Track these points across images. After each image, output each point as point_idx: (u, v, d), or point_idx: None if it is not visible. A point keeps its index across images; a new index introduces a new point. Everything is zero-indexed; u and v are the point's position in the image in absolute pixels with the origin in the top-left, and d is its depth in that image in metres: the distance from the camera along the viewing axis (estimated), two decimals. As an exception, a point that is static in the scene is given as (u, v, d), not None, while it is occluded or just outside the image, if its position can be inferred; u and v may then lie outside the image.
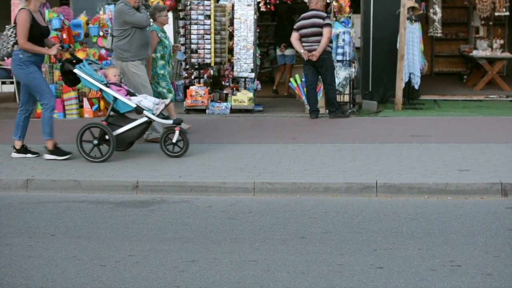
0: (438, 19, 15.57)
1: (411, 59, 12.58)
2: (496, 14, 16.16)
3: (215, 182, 7.38)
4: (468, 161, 7.90)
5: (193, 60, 12.62)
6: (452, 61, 19.11)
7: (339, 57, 11.87)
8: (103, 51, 12.87)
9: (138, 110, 8.38)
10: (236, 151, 8.71)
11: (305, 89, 11.63)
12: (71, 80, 8.75)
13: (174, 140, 8.44)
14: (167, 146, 8.49)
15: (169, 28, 21.89)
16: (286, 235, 5.81)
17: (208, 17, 12.43)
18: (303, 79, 11.70)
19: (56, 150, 8.63)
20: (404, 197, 6.95)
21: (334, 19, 12.07)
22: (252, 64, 12.18)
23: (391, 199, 6.94)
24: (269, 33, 17.95)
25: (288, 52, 15.27)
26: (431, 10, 15.55)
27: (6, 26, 8.66)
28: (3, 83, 14.97)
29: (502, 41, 16.47)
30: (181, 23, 12.94)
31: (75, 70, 8.46)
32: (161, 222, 6.28)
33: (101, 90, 8.48)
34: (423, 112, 12.24)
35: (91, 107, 12.20)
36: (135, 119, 8.49)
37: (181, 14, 12.88)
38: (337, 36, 11.85)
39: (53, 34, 12.38)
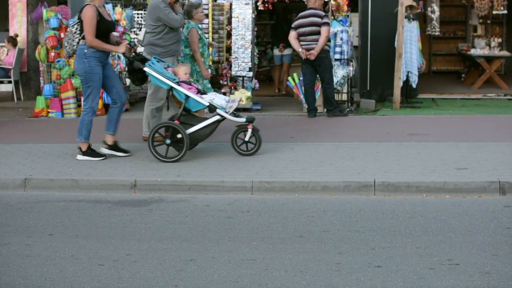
0: (436, 18, 15.58)
1: (409, 58, 12.58)
2: (494, 12, 16.16)
3: (213, 181, 7.38)
4: (466, 160, 7.90)
5: (191, 59, 12.59)
6: (450, 60, 19.11)
7: (337, 56, 11.86)
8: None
9: (211, 109, 8.25)
10: (235, 151, 8.70)
11: (303, 88, 11.63)
12: (139, 78, 8.62)
13: (246, 139, 8.33)
14: (238, 145, 8.39)
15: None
16: (284, 234, 5.81)
17: (206, 16, 12.41)
18: (301, 78, 11.69)
19: (90, 152, 8.49)
20: (402, 196, 6.96)
21: (332, 17, 12.06)
22: (250, 63, 12.17)
23: (389, 197, 6.94)
24: (267, 32, 17.94)
25: (286, 51, 15.30)
26: (429, 9, 15.55)
27: (70, 22, 8.48)
28: (1, 82, 14.95)
29: (500, 40, 16.49)
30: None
31: (145, 68, 8.27)
32: (159, 221, 6.28)
33: (171, 88, 8.27)
34: (421, 110, 12.24)
35: (89, 106, 12.17)
36: (206, 118, 8.35)
37: (179, 13, 12.85)
38: (335, 34, 11.85)
39: (50, 33, 12.39)
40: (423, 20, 16.24)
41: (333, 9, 12.18)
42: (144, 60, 8.45)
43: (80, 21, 8.28)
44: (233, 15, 12.22)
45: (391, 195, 7.00)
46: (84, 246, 5.60)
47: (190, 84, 8.46)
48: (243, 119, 8.36)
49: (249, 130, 8.32)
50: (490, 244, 5.37)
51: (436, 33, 16.03)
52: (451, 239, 5.53)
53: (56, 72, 12.47)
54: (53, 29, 12.43)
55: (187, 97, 8.24)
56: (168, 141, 8.20)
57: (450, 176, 7.17)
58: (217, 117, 8.28)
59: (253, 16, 12.29)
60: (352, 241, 5.54)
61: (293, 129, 10.28)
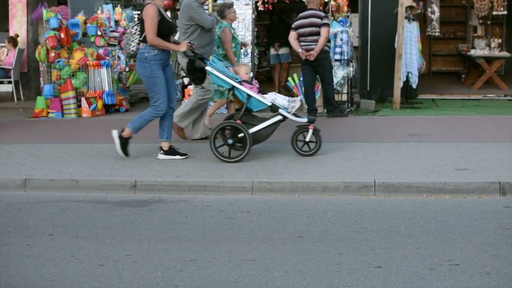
0: (436, 18, 15.59)
1: (409, 58, 12.59)
2: (494, 13, 16.19)
3: (213, 181, 7.38)
4: (466, 160, 7.90)
5: (191, 60, 12.59)
6: (450, 60, 19.13)
7: (337, 57, 11.87)
8: (101, 51, 12.87)
9: (273, 109, 8.20)
10: (234, 151, 8.70)
11: (303, 88, 11.63)
12: (200, 78, 8.53)
13: (307, 139, 8.28)
14: (299, 145, 8.34)
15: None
16: (284, 234, 5.81)
17: (206, 16, 12.40)
18: (301, 79, 11.70)
19: (123, 145, 8.38)
20: (402, 196, 6.96)
21: (332, 18, 12.07)
22: (250, 63, 12.17)
23: (389, 198, 6.94)
24: (267, 33, 17.95)
25: (282, 51, 15.34)
26: (429, 9, 15.56)
27: (130, 24, 8.40)
28: (1, 82, 14.96)
29: (500, 40, 16.49)
30: (178, 22, 12.91)
31: (207, 68, 8.21)
32: (159, 222, 6.28)
33: (233, 87, 8.20)
34: (421, 111, 12.25)
35: (89, 107, 12.20)
36: (267, 118, 8.29)
37: (179, 13, 12.85)
38: (335, 35, 11.86)
39: (50, 33, 12.40)
40: (423, 20, 16.26)
41: (333, 9, 12.20)
42: (202, 59, 8.38)
43: (141, 21, 8.17)
44: (233, 15, 12.21)
45: (391, 195, 7.00)
46: (84, 247, 5.60)
47: (251, 84, 8.39)
48: (304, 120, 8.30)
49: (310, 131, 8.25)
50: (490, 245, 5.37)
51: (436, 34, 16.04)
52: (451, 239, 5.53)
53: (56, 72, 12.48)
54: (53, 29, 12.44)
55: (249, 96, 8.17)
56: (230, 141, 8.12)
57: (450, 177, 7.17)
58: (278, 117, 8.21)
59: (253, 16, 12.29)
60: (352, 242, 5.54)
61: (293, 130, 10.26)
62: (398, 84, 12.32)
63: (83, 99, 12.31)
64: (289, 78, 12.40)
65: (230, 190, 7.28)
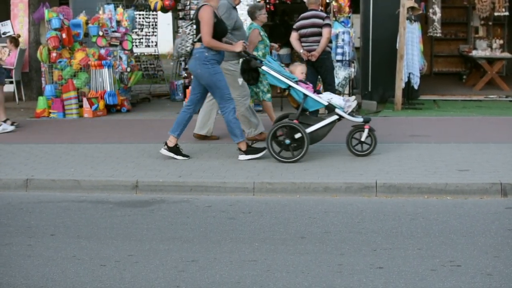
0: (437, 19, 15.58)
1: (411, 59, 12.58)
2: (496, 14, 16.17)
3: (215, 182, 7.38)
4: (468, 161, 7.90)
5: (192, 60, 12.59)
6: (452, 61, 19.11)
7: (339, 57, 11.87)
8: (102, 51, 12.87)
9: (330, 108, 8.17)
10: (236, 151, 8.70)
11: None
12: (255, 77, 8.45)
13: (363, 139, 8.26)
14: (354, 145, 8.32)
15: (168, 28, 21.93)
16: (286, 235, 5.81)
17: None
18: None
19: (252, 149, 8.34)
20: (404, 197, 6.96)
21: (334, 19, 12.06)
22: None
23: (391, 199, 6.94)
24: (269, 33, 17.95)
25: (283, 51, 15.39)
26: (430, 10, 15.56)
27: (183, 24, 8.36)
28: (2, 82, 14.93)
29: (501, 41, 16.48)
30: (180, 22, 12.94)
31: (264, 67, 8.16)
32: (160, 222, 6.28)
33: (289, 87, 8.14)
34: (423, 112, 12.24)
35: (91, 107, 12.20)
36: (323, 118, 8.26)
37: (181, 13, 12.88)
38: (337, 36, 11.85)
39: (52, 33, 12.40)
40: (424, 21, 16.25)
41: (334, 10, 12.19)
42: (255, 59, 8.35)
43: (196, 22, 8.15)
44: (234, 16, 12.21)
45: (392, 196, 7.00)
46: (85, 247, 5.60)
47: (307, 84, 8.37)
48: (360, 119, 8.29)
49: (366, 130, 8.24)
50: (491, 246, 5.37)
51: (438, 35, 16.03)
52: (453, 240, 5.53)
53: (57, 72, 12.48)
54: (55, 29, 12.44)
55: (305, 96, 8.13)
56: (287, 141, 8.07)
57: (452, 178, 7.17)
58: (335, 117, 8.18)
59: (255, 17, 12.27)
60: (354, 242, 5.54)
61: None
62: (400, 85, 12.31)
63: (84, 100, 12.31)
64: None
65: (231, 190, 7.28)
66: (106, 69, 12.44)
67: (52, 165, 8.28)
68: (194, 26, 8.28)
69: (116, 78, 12.87)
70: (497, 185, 6.92)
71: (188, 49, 8.21)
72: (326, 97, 8.26)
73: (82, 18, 12.96)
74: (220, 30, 8.17)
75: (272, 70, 8.15)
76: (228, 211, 6.61)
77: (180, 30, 8.27)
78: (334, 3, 12.16)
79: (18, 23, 14.71)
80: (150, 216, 6.49)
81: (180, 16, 12.90)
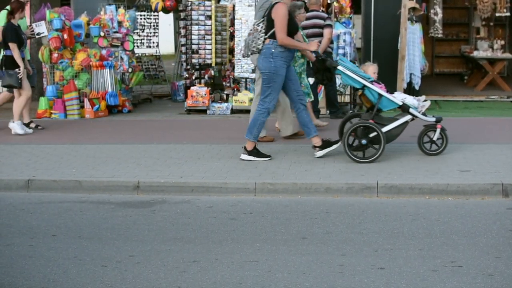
0: (438, 20, 15.58)
1: (412, 60, 12.58)
2: (497, 14, 16.16)
3: (216, 182, 7.38)
4: (469, 162, 7.90)
5: (194, 61, 12.62)
6: (453, 62, 19.09)
7: (340, 58, 11.86)
8: (104, 52, 12.88)
9: (404, 108, 8.14)
10: (237, 151, 8.70)
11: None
12: (329, 77, 8.46)
13: (435, 138, 8.25)
14: (425, 144, 8.29)
15: (170, 29, 21.93)
16: (287, 235, 5.81)
17: (209, 17, 12.43)
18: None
19: (256, 152, 8.27)
20: (405, 198, 6.95)
21: (335, 19, 12.07)
22: (253, 65, 12.17)
23: (392, 199, 6.94)
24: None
25: None
26: (431, 11, 15.55)
27: (254, 21, 8.31)
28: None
29: (502, 42, 16.47)
30: (182, 23, 12.95)
31: (340, 67, 8.11)
32: (162, 223, 6.28)
33: (364, 87, 8.10)
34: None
35: (92, 108, 12.20)
36: (396, 118, 8.23)
37: (182, 14, 12.89)
38: (338, 36, 11.85)
39: (53, 34, 12.41)
40: (426, 22, 16.24)
41: (336, 11, 12.19)
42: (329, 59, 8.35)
43: (267, 19, 8.10)
44: (236, 16, 12.23)
45: (394, 197, 7.00)
46: (87, 247, 5.61)
47: (379, 83, 8.33)
48: (433, 119, 8.27)
49: (438, 130, 8.23)
50: (493, 246, 5.37)
51: (439, 35, 16.03)
52: (454, 241, 5.53)
53: (59, 73, 12.48)
54: (56, 30, 12.44)
55: (380, 96, 8.10)
56: (364, 141, 8.03)
57: (453, 178, 7.17)
58: (408, 117, 8.17)
59: (256, 18, 12.28)
60: (355, 243, 5.54)
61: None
62: (401, 86, 12.31)
63: (86, 100, 12.31)
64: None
65: (233, 191, 7.28)
66: (108, 69, 12.44)
67: (53, 166, 8.29)
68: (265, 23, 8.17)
69: (118, 78, 12.87)
70: (498, 185, 6.92)
71: (260, 46, 8.12)
72: (400, 97, 8.24)
73: (83, 18, 12.96)
74: (292, 28, 8.14)
75: (348, 70, 8.12)
76: (230, 211, 6.61)
77: (252, 28, 8.17)
78: (335, 3, 12.17)
79: (20, 23, 14.71)
80: (151, 217, 6.49)
81: (182, 17, 12.90)
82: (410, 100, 8.24)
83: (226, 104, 12.31)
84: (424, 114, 8.26)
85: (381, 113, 8.32)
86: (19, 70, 10.33)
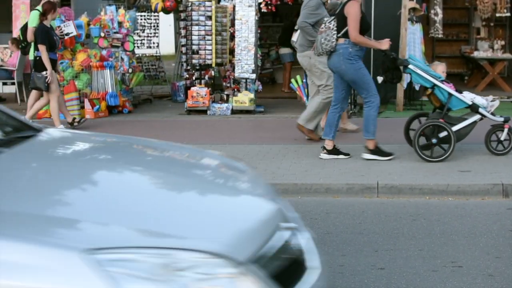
0: (439, 20, 15.57)
1: (412, 60, 12.55)
2: (497, 15, 16.15)
3: (216, 183, 7.37)
4: (469, 162, 7.90)
5: (194, 61, 12.62)
6: (453, 62, 19.06)
7: (340, 58, 11.85)
8: (104, 52, 12.88)
9: (474, 108, 8.10)
10: (237, 152, 8.71)
11: (306, 90, 11.62)
12: (398, 76, 8.44)
13: (502, 138, 8.22)
14: (491, 143, 8.28)
15: (170, 29, 21.94)
16: (287, 236, 5.80)
17: (209, 18, 12.43)
18: (304, 80, 11.69)
19: (378, 150, 8.19)
20: (405, 198, 6.96)
21: (335, 20, 12.05)
22: (253, 65, 12.18)
23: (392, 200, 6.94)
24: (270, 34, 17.99)
25: (284, 51, 15.48)
26: (432, 11, 15.54)
27: (325, 19, 8.27)
28: (5, 84, 14.96)
29: (503, 42, 16.46)
30: (182, 24, 12.95)
31: (411, 66, 8.10)
32: (162, 223, 6.27)
33: (434, 86, 8.07)
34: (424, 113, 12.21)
35: (92, 108, 12.21)
36: (465, 118, 8.20)
37: (182, 15, 12.89)
38: (338, 37, 11.83)
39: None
40: (426, 22, 16.23)
41: (336, 11, 12.18)
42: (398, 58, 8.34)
43: (338, 17, 8.05)
44: (236, 17, 12.23)
45: (394, 197, 7.00)
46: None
47: (449, 83, 8.31)
48: (501, 119, 8.27)
49: (505, 130, 8.20)
50: (493, 247, 5.37)
51: (439, 36, 16.02)
52: (454, 241, 5.53)
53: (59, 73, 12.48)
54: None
55: (450, 95, 8.06)
56: (434, 140, 7.99)
57: (453, 179, 7.17)
58: (477, 117, 8.13)
59: (257, 18, 12.29)
60: (355, 243, 5.54)
61: (296, 131, 10.27)
62: (401, 86, 12.31)
63: (86, 101, 12.31)
64: (292, 80, 12.40)
65: (233, 191, 7.26)
66: (108, 70, 12.45)
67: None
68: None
69: (118, 79, 12.88)
70: (498, 186, 6.93)
71: (333, 44, 8.03)
72: (469, 97, 8.20)
73: (83, 19, 12.97)
74: (365, 25, 8.11)
75: (419, 69, 8.10)
76: (230, 212, 6.59)
77: (323, 25, 8.11)
78: (335, 4, 12.16)
79: (20, 24, 14.71)
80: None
81: (182, 17, 12.90)
82: (479, 100, 8.20)
83: (226, 104, 12.31)
84: (492, 114, 8.22)
85: (450, 112, 8.28)
86: (47, 73, 10.28)
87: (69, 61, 12.47)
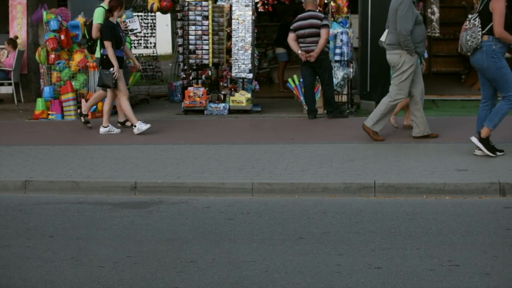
0: (436, 19, 15.57)
1: (409, 59, 12.54)
2: (494, 14, 16.14)
3: (214, 182, 7.39)
4: (466, 161, 7.90)
5: (191, 61, 12.62)
6: (450, 61, 19.09)
7: (337, 58, 11.87)
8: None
9: None
10: (235, 151, 8.71)
11: (303, 89, 11.63)
12: None
13: None
14: None
15: (167, 29, 21.92)
16: (284, 235, 5.81)
17: (206, 17, 12.42)
18: (301, 80, 11.70)
19: (487, 142, 8.12)
20: (403, 197, 6.96)
21: (332, 19, 12.07)
22: (250, 65, 12.18)
23: (389, 199, 6.94)
24: (267, 34, 17.98)
25: (279, 50, 15.58)
26: (429, 10, 15.54)
27: (469, 16, 8.25)
28: (1, 84, 14.96)
29: (500, 41, 16.46)
30: (179, 23, 12.93)
31: None
32: (159, 223, 6.28)
33: None
34: (421, 112, 12.21)
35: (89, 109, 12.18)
36: None
37: (179, 15, 12.87)
38: (335, 36, 11.85)
39: (50, 35, 12.40)
40: (423, 21, 16.24)
41: (333, 10, 12.19)
42: None
43: (480, 13, 8.06)
44: (233, 16, 12.22)
45: (391, 196, 7.00)
46: (84, 248, 5.61)
47: None
48: None
49: None
50: (490, 246, 5.37)
51: (436, 35, 16.02)
52: (451, 240, 5.53)
53: (56, 74, 12.48)
54: (53, 31, 12.44)
55: None
56: None
57: (450, 177, 7.17)
58: None
59: (253, 18, 12.29)
60: (352, 243, 5.54)
61: (293, 131, 10.28)
62: (398, 85, 12.29)
63: (83, 101, 12.30)
64: (289, 79, 12.41)
65: (230, 191, 7.28)
66: (105, 70, 12.43)
67: (50, 167, 8.28)
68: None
69: (115, 79, 12.85)
70: (495, 184, 6.93)
71: (479, 41, 8.02)
72: None
73: (80, 19, 12.96)
74: (509, 21, 8.02)
75: None
76: (227, 211, 6.61)
77: (467, 22, 8.07)
78: (332, 3, 12.17)
79: (17, 24, 14.72)
80: (148, 217, 6.49)
81: (179, 17, 12.89)
82: None
83: (223, 104, 12.31)
84: None
85: None
86: (113, 70, 10.22)
87: (65, 62, 12.46)
